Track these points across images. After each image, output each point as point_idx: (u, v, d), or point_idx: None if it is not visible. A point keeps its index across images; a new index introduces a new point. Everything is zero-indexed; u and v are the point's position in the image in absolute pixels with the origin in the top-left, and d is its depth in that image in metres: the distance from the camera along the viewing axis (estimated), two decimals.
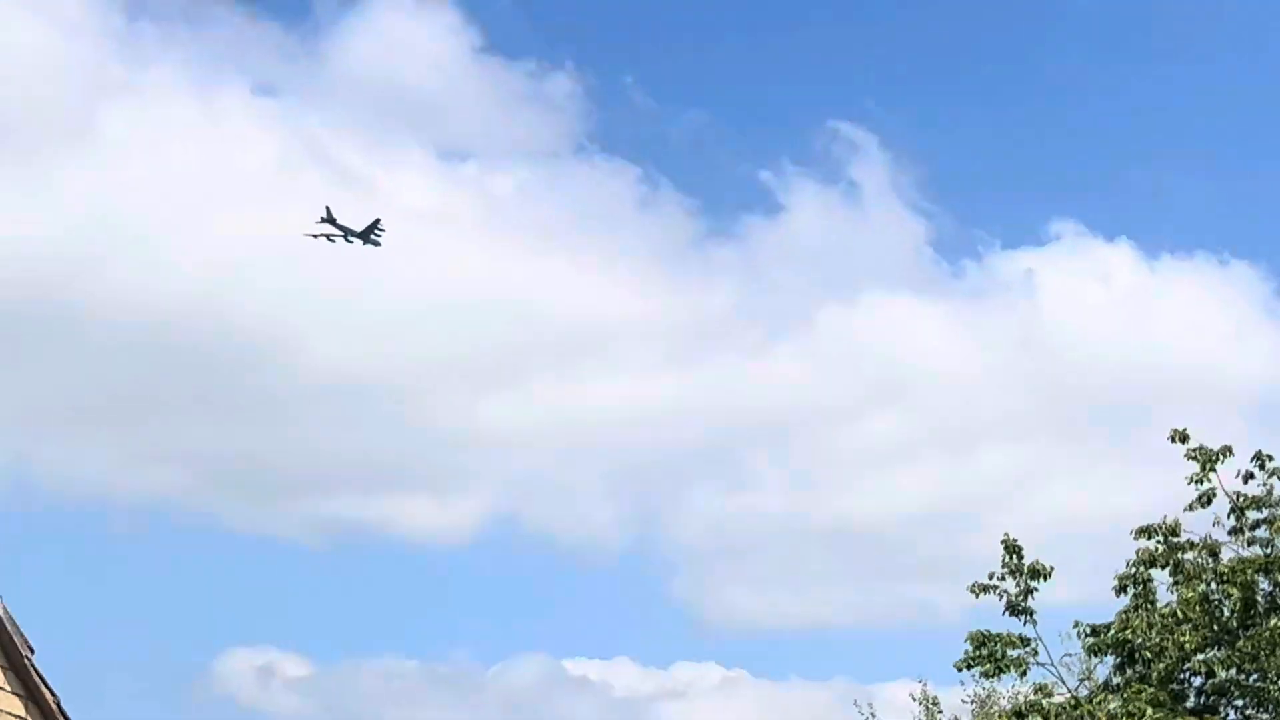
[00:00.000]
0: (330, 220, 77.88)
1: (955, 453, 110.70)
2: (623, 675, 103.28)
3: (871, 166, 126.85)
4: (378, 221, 78.76)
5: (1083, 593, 34.03)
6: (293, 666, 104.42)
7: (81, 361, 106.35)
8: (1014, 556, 28.87)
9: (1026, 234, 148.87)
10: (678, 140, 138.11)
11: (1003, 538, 29.02)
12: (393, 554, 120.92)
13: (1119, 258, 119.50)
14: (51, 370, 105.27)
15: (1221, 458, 29.23)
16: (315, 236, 77.97)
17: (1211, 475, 29.14)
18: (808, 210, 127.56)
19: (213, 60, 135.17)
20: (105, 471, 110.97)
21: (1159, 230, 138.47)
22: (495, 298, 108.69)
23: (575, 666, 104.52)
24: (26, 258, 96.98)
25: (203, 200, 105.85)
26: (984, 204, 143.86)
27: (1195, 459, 29.23)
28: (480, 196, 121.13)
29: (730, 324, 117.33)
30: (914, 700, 47.79)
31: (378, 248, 78.68)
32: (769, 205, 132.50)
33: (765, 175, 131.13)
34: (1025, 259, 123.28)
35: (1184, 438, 29.42)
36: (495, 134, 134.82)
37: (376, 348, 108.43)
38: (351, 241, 78.14)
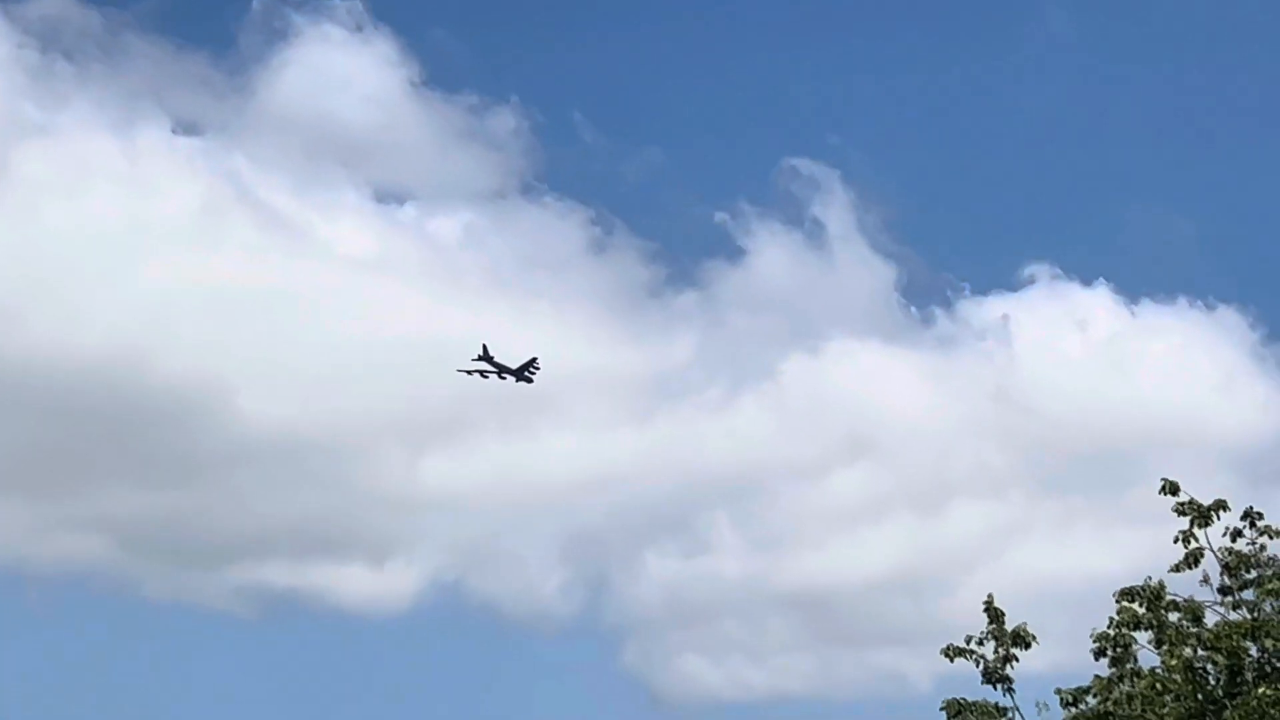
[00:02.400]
0: (487, 358, 78.69)
1: (925, 511, 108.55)
2: None
3: (835, 206, 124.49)
4: (534, 360, 79.49)
5: (1058, 658, 32.71)
6: None
7: None
8: (996, 621, 27.79)
9: (999, 278, 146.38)
10: (632, 180, 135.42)
11: (985, 601, 28.20)
12: (328, 623, 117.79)
13: (1097, 302, 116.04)
14: None
15: (1215, 515, 28.13)
16: (470, 373, 78.92)
17: (1200, 533, 28.10)
18: (770, 254, 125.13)
19: (131, 97, 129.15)
20: (19, 538, 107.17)
21: (1139, 273, 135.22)
22: (438, 348, 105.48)
23: None
24: None
25: (123, 246, 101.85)
26: (954, 246, 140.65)
27: (1185, 513, 28.20)
28: (420, 240, 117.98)
29: (690, 376, 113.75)
30: None
31: (530, 384, 79.56)
32: (730, 250, 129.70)
33: (721, 217, 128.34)
34: (998, 305, 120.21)
35: (1174, 490, 28.55)
36: (435, 174, 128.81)
37: (311, 402, 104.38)
38: (505, 378, 79.01)
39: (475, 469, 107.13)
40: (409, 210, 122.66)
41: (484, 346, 79.18)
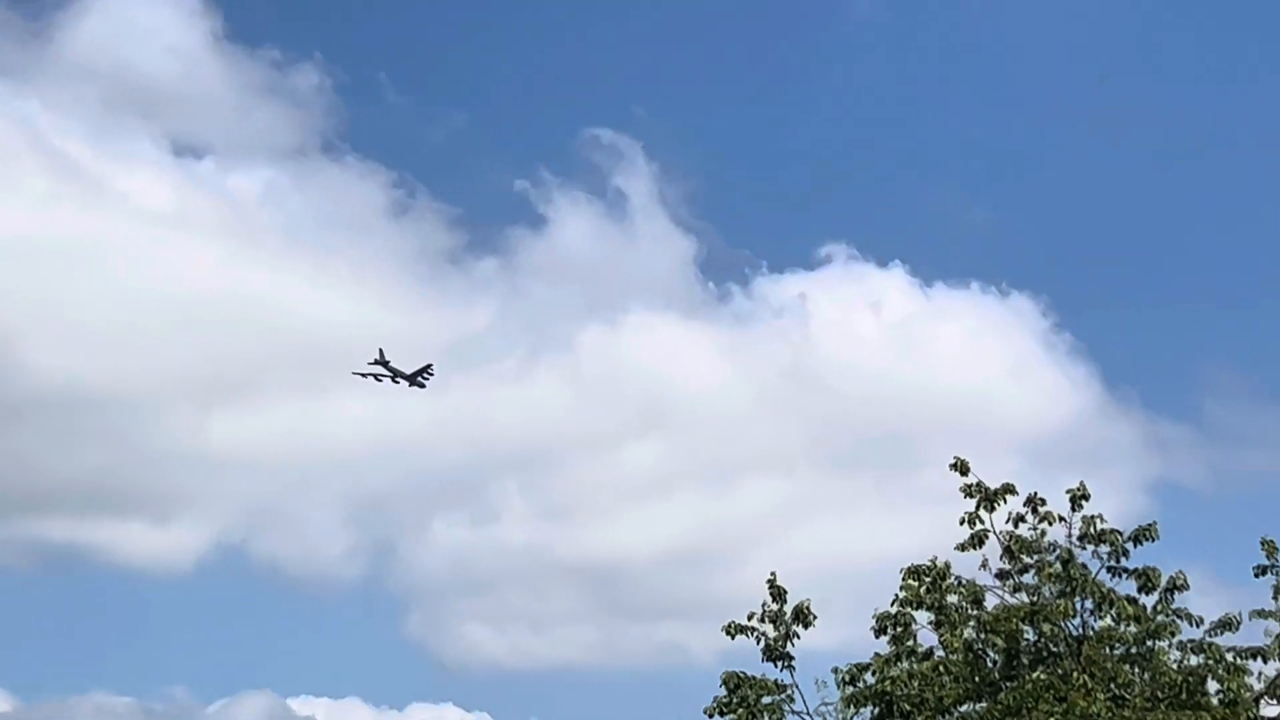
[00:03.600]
0: (383, 362, 79.27)
1: (715, 486, 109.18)
2: (354, 716, 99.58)
3: (637, 177, 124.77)
4: (429, 366, 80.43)
5: (842, 636, 32.80)
6: None
7: None
8: (778, 600, 27.69)
9: (796, 256, 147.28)
10: (436, 144, 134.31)
11: (768, 579, 28.03)
12: (108, 581, 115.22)
13: (892, 284, 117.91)
14: None
15: (1003, 498, 28.32)
16: (364, 375, 79.48)
17: (985, 516, 28.25)
18: (572, 224, 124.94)
19: None
20: None
21: (935, 257, 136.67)
22: (233, 306, 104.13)
23: (302, 706, 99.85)
24: None
25: None
26: (753, 223, 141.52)
27: (973, 495, 28.34)
28: (219, 196, 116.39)
29: (488, 344, 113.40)
30: None
31: (422, 390, 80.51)
32: (532, 218, 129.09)
33: (522, 184, 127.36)
34: (795, 283, 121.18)
35: (965, 469, 28.69)
36: (236, 129, 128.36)
37: (99, 356, 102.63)
38: (398, 383, 79.97)
39: (265, 429, 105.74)
40: (208, 165, 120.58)
41: (380, 351, 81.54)
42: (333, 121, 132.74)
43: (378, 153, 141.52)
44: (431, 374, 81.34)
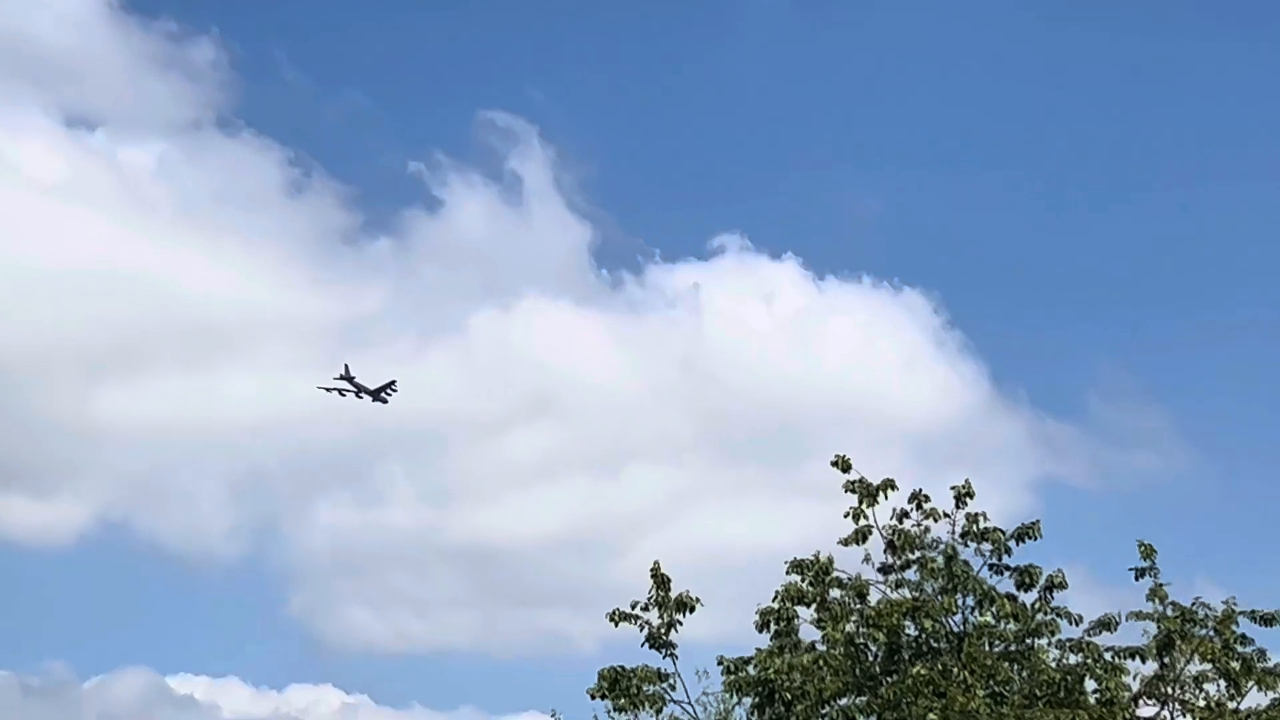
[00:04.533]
0: (348, 378, 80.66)
1: (603, 473, 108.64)
2: (233, 696, 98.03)
3: (533, 162, 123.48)
4: (393, 383, 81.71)
5: (725, 627, 32.81)
6: None
7: None
8: (661, 589, 27.66)
9: (690, 246, 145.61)
10: (333, 123, 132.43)
11: (652, 568, 28.04)
12: None
13: (785, 276, 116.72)
14: None
15: (884, 493, 28.44)
16: (329, 390, 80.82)
17: (868, 511, 28.35)
18: (468, 207, 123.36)
19: None
20: None
21: (829, 249, 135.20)
22: (121, 278, 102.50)
23: (180, 684, 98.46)
24: None
25: None
26: (648, 211, 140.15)
27: (855, 491, 28.44)
28: (111, 169, 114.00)
29: (380, 325, 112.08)
30: None
31: (384, 405, 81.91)
32: (428, 200, 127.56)
33: (416, 166, 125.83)
34: (688, 273, 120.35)
35: (846, 466, 28.75)
36: (129, 101, 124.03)
37: None
38: (362, 398, 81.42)
39: (152, 405, 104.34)
40: (100, 136, 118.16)
41: (345, 366, 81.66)
42: (228, 97, 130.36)
43: (274, 130, 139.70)
44: (395, 390, 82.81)
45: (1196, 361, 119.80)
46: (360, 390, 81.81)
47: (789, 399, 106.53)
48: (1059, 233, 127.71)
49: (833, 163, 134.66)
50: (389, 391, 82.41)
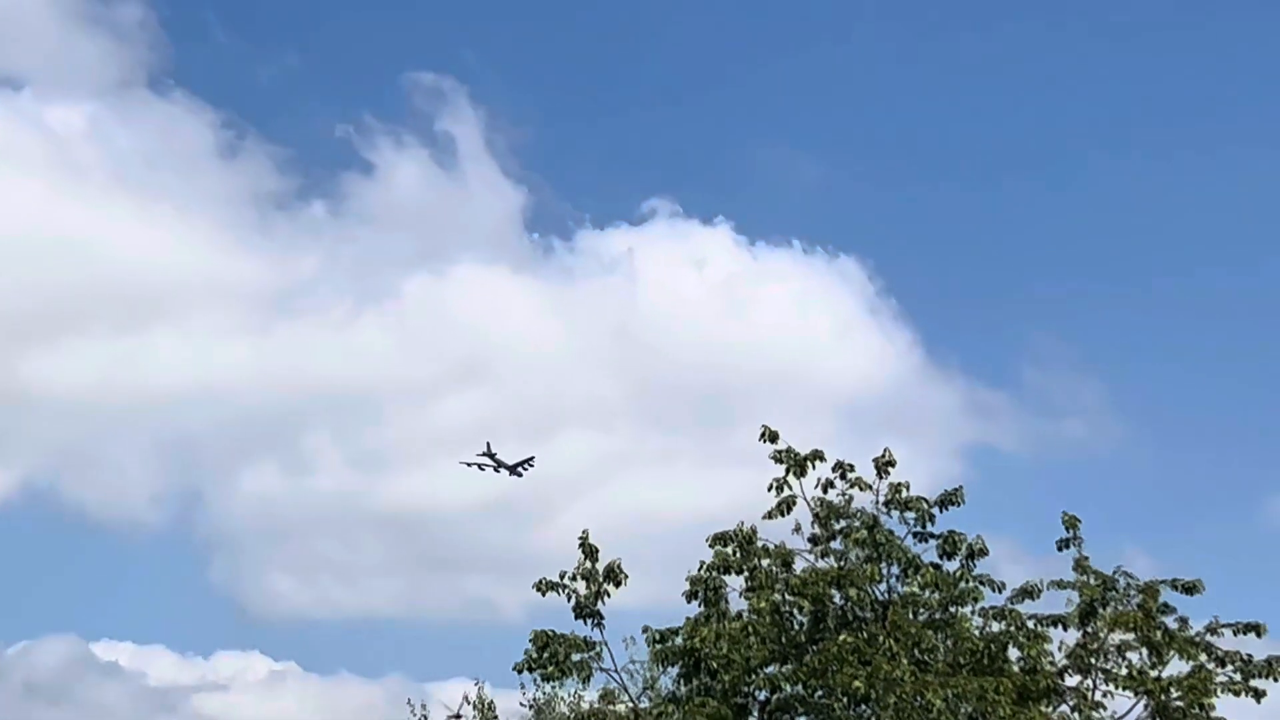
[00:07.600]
0: (490, 454, 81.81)
1: (533, 439, 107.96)
2: (158, 662, 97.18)
3: (465, 125, 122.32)
4: (531, 458, 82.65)
5: (654, 595, 32.83)
6: None
7: None
8: (590, 558, 27.73)
9: (622, 211, 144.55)
10: (266, 85, 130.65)
11: (580, 537, 27.94)
12: None
13: (717, 242, 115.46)
14: None
15: (812, 464, 28.56)
16: (470, 465, 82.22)
17: (794, 481, 28.47)
18: (402, 171, 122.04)
19: None
20: None
21: (762, 215, 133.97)
22: (48, 241, 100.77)
23: (106, 650, 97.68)
24: None
25: None
26: (580, 175, 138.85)
27: (782, 461, 28.53)
28: (38, 130, 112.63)
29: (314, 290, 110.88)
30: (468, 702, 46.50)
31: (519, 479, 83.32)
32: (361, 164, 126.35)
33: (344, 129, 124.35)
34: (620, 238, 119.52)
35: (773, 437, 28.83)
36: (56, 60, 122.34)
37: None
38: (499, 472, 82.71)
39: (80, 370, 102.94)
40: (26, 96, 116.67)
41: (487, 444, 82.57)
42: (158, 57, 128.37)
43: (206, 91, 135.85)
44: (532, 465, 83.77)
45: (1131, 332, 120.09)
46: (499, 465, 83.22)
47: (721, 365, 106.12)
48: (994, 201, 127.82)
49: (766, 128, 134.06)
50: (527, 466, 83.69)
